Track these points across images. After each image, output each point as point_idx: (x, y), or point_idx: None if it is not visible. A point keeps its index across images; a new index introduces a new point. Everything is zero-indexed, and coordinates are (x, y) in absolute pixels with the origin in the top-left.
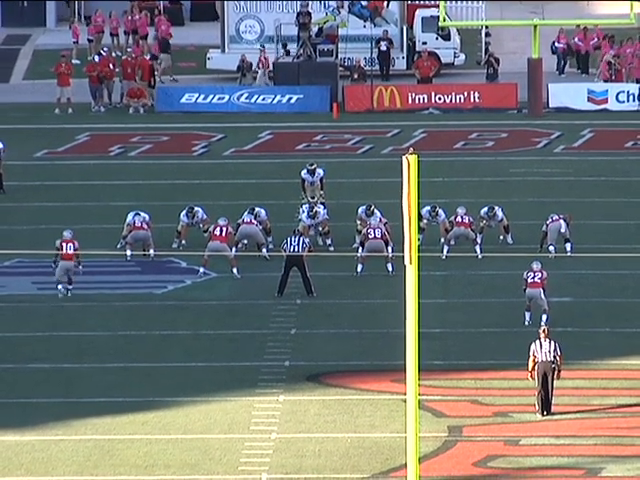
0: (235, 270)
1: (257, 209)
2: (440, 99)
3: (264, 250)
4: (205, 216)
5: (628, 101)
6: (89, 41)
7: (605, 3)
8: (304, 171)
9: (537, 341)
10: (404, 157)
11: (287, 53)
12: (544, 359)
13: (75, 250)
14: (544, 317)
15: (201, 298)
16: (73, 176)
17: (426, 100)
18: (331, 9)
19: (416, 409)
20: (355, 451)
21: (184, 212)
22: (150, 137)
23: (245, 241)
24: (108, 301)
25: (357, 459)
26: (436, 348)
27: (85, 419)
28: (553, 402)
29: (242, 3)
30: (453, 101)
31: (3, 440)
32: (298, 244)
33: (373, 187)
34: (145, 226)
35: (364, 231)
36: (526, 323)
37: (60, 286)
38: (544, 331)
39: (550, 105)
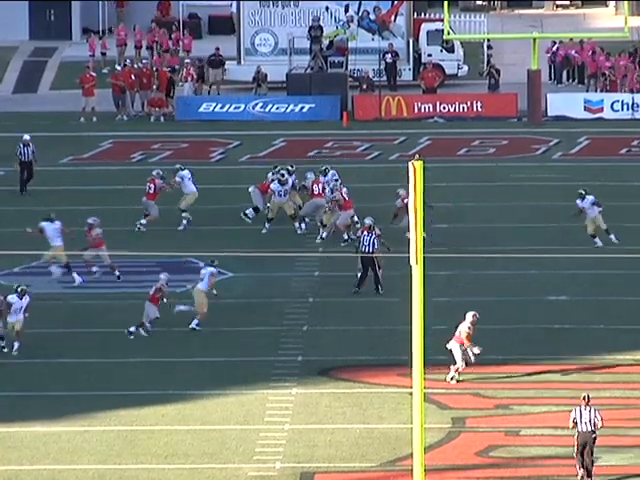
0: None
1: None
2: (444, 108)
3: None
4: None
5: (622, 110)
6: (102, 55)
7: (601, 17)
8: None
9: (577, 409)
10: (410, 163)
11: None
12: (584, 429)
13: None
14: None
15: (218, 296)
16: (97, 181)
17: (431, 109)
18: (341, 23)
19: (421, 402)
20: (364, 441)
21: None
22: (170, 144)
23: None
24: (130, 299)
25: (366, 449)
26: (440, 344)
27: (109, 411)
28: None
29: (257, 17)
30: (457, 110)
31: (32, 431)
32: (369, 244)
33: (381, 191)
34: None
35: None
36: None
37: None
38: (584, 398)
39: (549, 114)
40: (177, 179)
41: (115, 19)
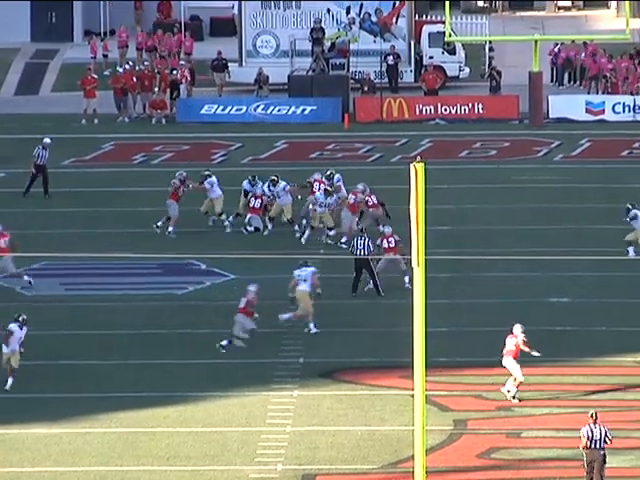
0: None
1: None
2: (446, 110)
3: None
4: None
5: (624, 112)
6: (104, 56)
7: (602, 19)
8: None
9: (587, 426)
10: (412, 165)
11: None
12: (593, 446)
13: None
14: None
15: (220, 298)
16: (99, 183)
17: (433, 111)
18: (343, 25)
19: (423, 404)
20: (365, 443)
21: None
22: (171, 146)
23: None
24: (131, 301)
25: (367, 451)
26: (442, 346)
27: (110, 413)
28: None
29: (259, 19)
30: (458, 112)
31: (33, 432)
32: (364, 247)
33: (382, 193)
34: None
35: (378, 242)
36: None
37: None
38: (592, 416)
39: (550, 116)
40: (207, 186)
41: (120, 20)
